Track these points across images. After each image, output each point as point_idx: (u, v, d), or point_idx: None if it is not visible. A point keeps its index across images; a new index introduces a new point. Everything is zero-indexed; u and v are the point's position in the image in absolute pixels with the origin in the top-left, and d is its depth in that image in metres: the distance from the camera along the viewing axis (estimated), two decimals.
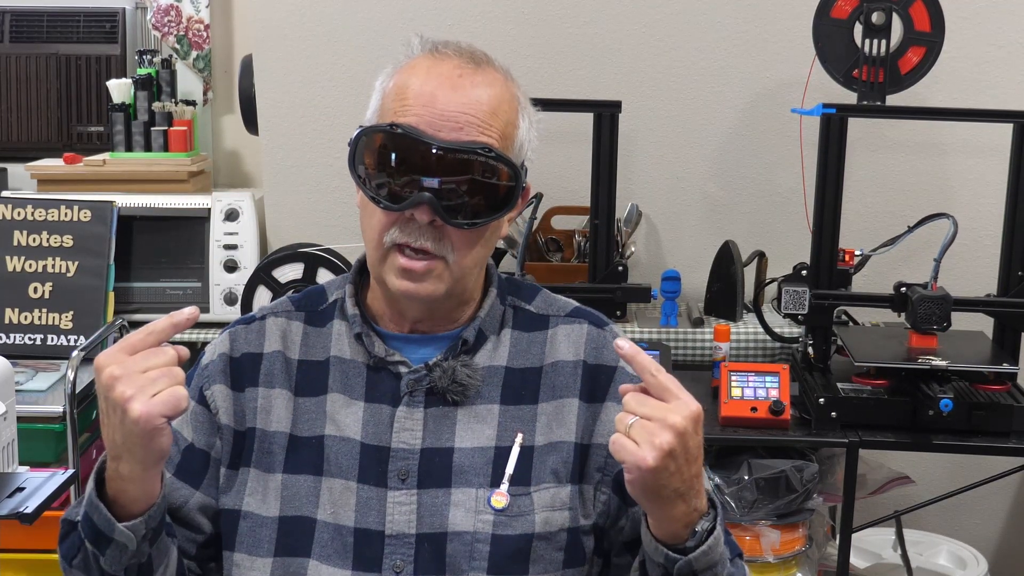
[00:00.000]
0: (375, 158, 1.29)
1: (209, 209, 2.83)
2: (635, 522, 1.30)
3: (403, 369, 1.35)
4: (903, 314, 2.33)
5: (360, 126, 1.32)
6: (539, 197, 2.60)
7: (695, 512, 1.19)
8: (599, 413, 1.34)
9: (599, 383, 1.36)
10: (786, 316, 2.45)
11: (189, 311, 1.17)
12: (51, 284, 2.72)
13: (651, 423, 1.13)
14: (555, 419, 1.34)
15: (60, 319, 2.70)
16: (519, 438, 1.32)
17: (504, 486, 1.30)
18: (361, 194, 1.31)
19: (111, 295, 2.73)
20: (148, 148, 2.95)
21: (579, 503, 1.33)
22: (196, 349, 2.74)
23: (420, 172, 1.25)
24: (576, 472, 1.33)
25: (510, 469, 1.31)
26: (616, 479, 1.31)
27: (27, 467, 1.77)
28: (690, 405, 1.15)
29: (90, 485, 1.21)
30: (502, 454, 1.32)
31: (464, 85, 1.27)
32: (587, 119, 2.50)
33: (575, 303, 1.44)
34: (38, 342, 2.70)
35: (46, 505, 1.61)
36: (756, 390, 2.29)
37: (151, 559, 1.24)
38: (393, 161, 1.27)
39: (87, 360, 2.53)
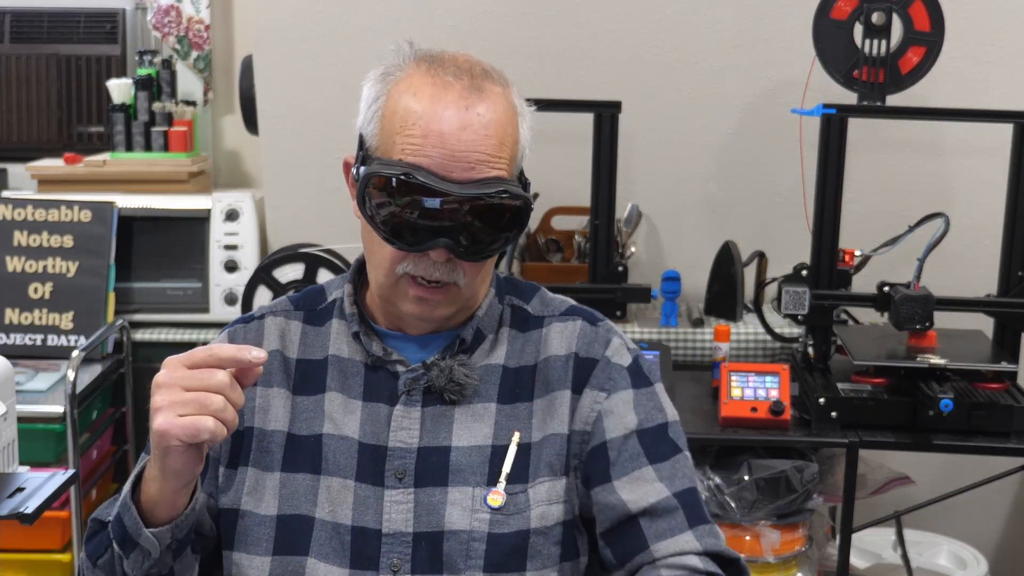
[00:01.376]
0: (386, 198, 1.27)
1: (209, 209, 2.83)
2: (604, 508, 1.30)
3: (401, 368, 1.35)
4: (886, 314, 2.33)
5: (359, 150, 1.31)
6: (535, 197, 2.59)
7: None
8: (579, 400, 1.35)
9: (584, 372, 1.36)
10: (786, 316, 2.45)
11: (261, 353, 1.16)
12: (51, 284, 2.72)
13: None
14: (549, 413, 1.34)
15: (60, 319, 2.71)
16: (516, 437, 1.33)
17: (501, 485, 1.31)
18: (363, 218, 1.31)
19: (111, 295, 2.74)
20: (148, 148, 2.95)
21: (572, 495, 1.33)
22: None
23: (435, 218, 1.25)
24: (568, 464, 1.33)
25: (507, 468, 1.31)
26: (585, 465, 1.32)
27: (27, 467, 1.76)
28: None
29: (127, 486, 1.23)
30: (499, 452, 1.32)
31: (472, 121, 1.26)
32: (587, 119, 2.50)
33: (572, 302, 1.44)
34: (38, 342, 2.70)
35: (46, 505, 1.61)
36: (756, 390, 2.29)
37: (173, 572, 1.26)
38: (406, 205, 1.26)
39: (87, 360, 2.53)
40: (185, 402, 1.13)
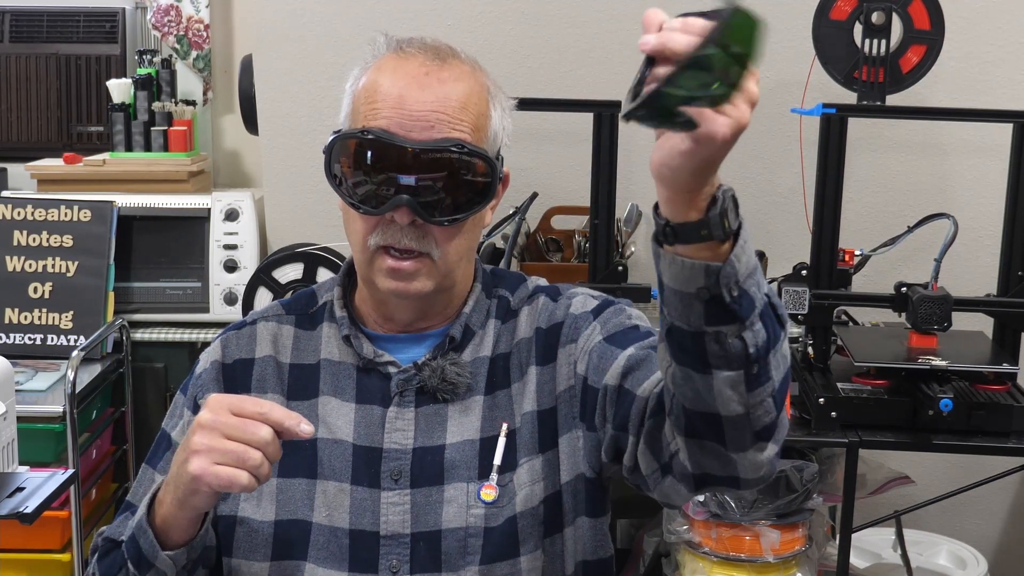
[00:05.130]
0: (350, 164, 1.30)
1: (209, 209, 2.83)
2: (607, 404, 1.28)
3: (392, 369, 1.35)
4: (903, 314, 2.33)
5: (334, 131, 1.32)
6: (534, 196, 2.59)
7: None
8: (554, 368, 1.35)
9: (552, 339, 1.36)
10: None
11: (309, 428, 1.16)
12: (51, 284, 2.72)
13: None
14: (523, 396, 1.35)
15: (60, 319, 2.70)
16: (504, 428, 1.33)
17: (493, 478, 1.31)
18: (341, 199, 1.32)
19: (111, 295, 2.74)
20: (148, 148, 2.95)
21: (553, 468, 1.33)
22: (197, 350, 2.75)
23: (396, 172, 1.26)
24: (545, 440, 1.33)
25: (498, 460, 1.32)
26: (582, 394, 1.32)
27: (27, 467, 1.76)
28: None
29: (141, 509, 1.24)
30: (487, 444, 1.32)
31: (431, 83, 1.28)
32: (587, 119, 2.50)
33: (539, 282, 1.44)
34: (38, 342, 2.70)
35: (46, 505, 1.61)
36: None
37: None
38: (368, 166, 1.28)
39: (87, 360, 2.53)
40: (224, 451, 1.13)
